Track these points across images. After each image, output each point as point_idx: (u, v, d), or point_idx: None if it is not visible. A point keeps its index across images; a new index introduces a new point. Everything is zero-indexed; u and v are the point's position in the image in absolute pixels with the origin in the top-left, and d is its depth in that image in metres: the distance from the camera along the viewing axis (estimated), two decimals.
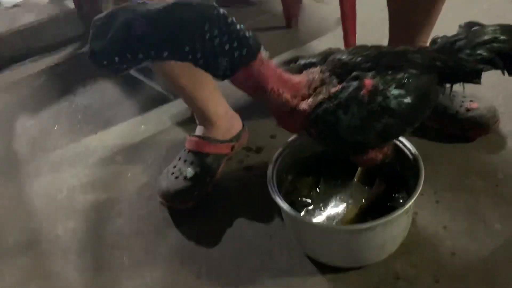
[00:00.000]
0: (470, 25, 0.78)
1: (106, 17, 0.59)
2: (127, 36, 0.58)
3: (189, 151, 1.06)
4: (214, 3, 0.63)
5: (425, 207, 0.91)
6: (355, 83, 0.68)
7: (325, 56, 0.75)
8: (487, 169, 0.96)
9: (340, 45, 1.40)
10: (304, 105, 0.69)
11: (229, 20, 0.61)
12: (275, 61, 1.47)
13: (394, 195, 0.89)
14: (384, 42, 1.12)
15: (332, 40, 1.51)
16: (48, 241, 1.03)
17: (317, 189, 0.93)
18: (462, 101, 1.04)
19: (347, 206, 0.87)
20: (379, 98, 0.68)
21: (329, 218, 0.87)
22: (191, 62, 0.62)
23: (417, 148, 1.04)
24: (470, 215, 0.88)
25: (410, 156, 0.84)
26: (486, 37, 0.75)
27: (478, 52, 0.74)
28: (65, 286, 0.93)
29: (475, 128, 1.02)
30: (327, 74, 0.71)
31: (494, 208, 0.89)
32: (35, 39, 1.88)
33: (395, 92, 0.69)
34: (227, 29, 0.61)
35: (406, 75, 0.70)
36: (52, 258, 1.00)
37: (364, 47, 0.75)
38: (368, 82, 0.68)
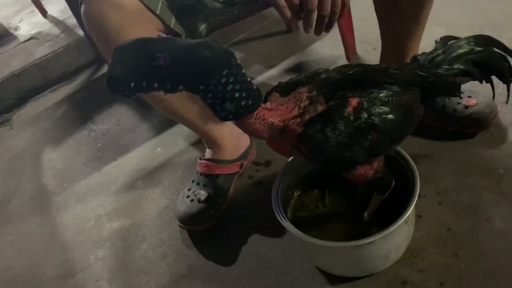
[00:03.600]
0: (446, 39, 0.80)
1: (130, 45, 0.61)
2: (149, 66, 0.60)
3: (201, 173, 1.12)
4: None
5: (428, 210, 0.94)
6: (341, 102, 0.71)
7: (313, 76, 0.77)
8: (488, 165, 0.98)
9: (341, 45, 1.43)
10: (293, 124, 0.71)
11: (243, 71, 0.67)
12: (279, 67, 1.53)
13: (397, 201, 0.92)
14: None
15: (333, 41, 1.52)
16: (82, 271, 1.12)
17: (324, 202, 0.97)
18: (460, 98, 1.05)
19: (352, 218, 0.91)
20: (365, 115, 0.70)
21: (337, 231, 0.91)
22: (201, 97, 0.66)
23: (419, 149, 1.07)
24: (473, 215, 0.91)
25: (405, 165, 0.87)
26: (461, 50, 0.77)
27: (456, 66, 0.76)
28: None
29: (474, 125, 1.03)
30: (314, 93, 0.73)
31: (496, 205, 0.91)
32: (52, 70, 1.98)
33: (379, 109, 0.71)
34: (241, 79, 0.66)
35: (389, 92, 0.73)
36: (87, 287, 1.08)
37: (350, 66, 0.78)
38: (354, 100, 0.71)
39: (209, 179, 1.11)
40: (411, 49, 1.06)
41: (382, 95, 0.72)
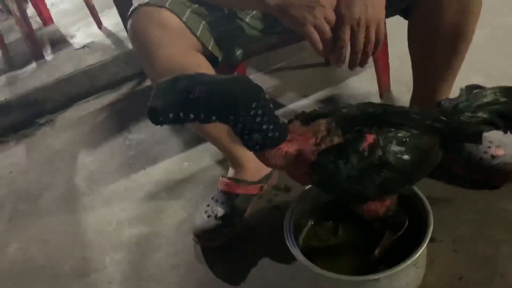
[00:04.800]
0: (471, 87, 0.81)
1: (170, 81, 0.67)
2: (185, 98, 0.66)
3: (221, 191, 1.15)
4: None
5: (442, 256, 0.93)
6: (357, 136, 0.73)
7: (334, 109, 0.79)
8: (510, 219, 0.96)
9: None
10: (308, 153, 0.74)
11: (271, 105, 0.72)
12: (312, 97, 1.55)
13: (411, 241, 0.91)
14: None
15: (370, 77, 1.54)
16: (97, 271, 1.17)
17: (336, 234, 0.98)
18: (488, 147, 1.04)
19: (363, 254, 0.91)
20: (379, 152, 0.72)
21: (346, 265, 0.91)
22: (231, 127, 0.71)
23: (441, 193, 1.06)
24: (488, 267, 0.89)
25: (421, 207, 0.86)
26: (486, 100, 0.77)
27: (479, 114, 0.77)
28: None
29: (500, 176, 1.01)
30: (333, 125, 0.75)
31: None
32: (98, 78, 2.09)
33: (395, 148, 0.73)
34: (269, 112, 0.70)
35: (407, 133, 0.74)
36: (99, 287, 1.12)
37: (371, 104, 0.80)
38: (370, 136, 0.73)
39: (228, 198, 1.14)
40: (442, 94, 1.06)
41: (399, 135, 0.73)
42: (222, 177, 1.17)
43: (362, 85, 1.55)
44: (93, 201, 1.41)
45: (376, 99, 1.46)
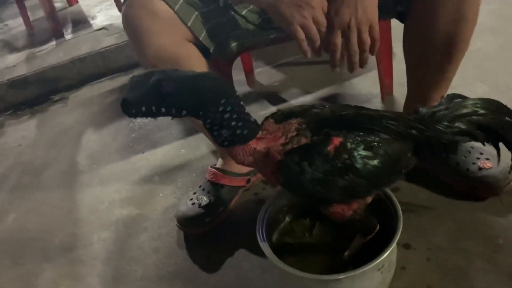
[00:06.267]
0: (452, 97, 0.79)
1: (143, 75, 0.70)
2: (156, 92, 0.68)
3: (208, 180, 1.17)
4: None
5: (415, 263, 0.92)
6: (324, 138, 0.73)
7: (307, 109, 0.80)
8: (489, 233, 0.94)
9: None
10: (275, 152, 0.74)
11: (242, 103, 0.74)
12: (314, 95, 1.55)
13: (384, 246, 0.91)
14: None
15: (374, 79, 1.52)
16: (84, 247, 1.21)
17: (311, 233, 0.98)
18: (478, 158, 1.02)
19: (335, 254, 0.91)
20: (345, 156, 0.72)
21: (316, 264, 0.91)
22: (202, 122, 0.73)
23: (425, 200, 1.05)
24: (458, 279, 0.88)
25: (393, 212, 0.86)
26: (465, 110, 0.76)
27: (456, 124, 0.75)
28: None
29: (484, 188, 1.00)
30: (303, 126, 0.75)
31: (484, 275, 0.87)
32: (113, 60, 2.13)
33: (362, 152, 0.72)
34: (238, 110, 0.73)
35: (376, 138, 0.74)
36: (83, 263, 1.16)
37: (346, 107, 0.80)
38: (336, 139, 0.73)
39: (214, 187, 1.15)
40: (434, 101, 1.05)
41: (368, 139, 0.73)
42: (211, 166, 1.19)
43: (365, 86, 1.53)
44: (91, 180, 1.46)
45: (378, 101, 1.45)
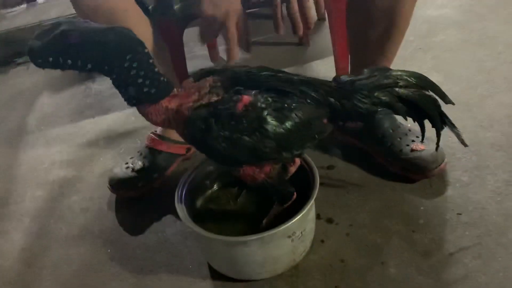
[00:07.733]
0: (378, 69, 0.78)
1: (52, 24, 0.68)
2: (60, 42, 0.66)
3: (146, 146, 1.15)
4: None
5: (334, 237, 0.91)
6: (233, 96, 0.71)
7: (227, 69, 0.78)
8: (411, 213, 0.93)
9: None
10: (184, 109, 0.72)
11: (151, 61, 0.71)
12: None
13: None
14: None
15: (333, 62, 1.51)
16: (15, 203, 1.19)
17: (236, 200, 0.97)
18: (413, 140, 1.01)
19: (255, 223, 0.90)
20: (253, 115, 0.70)
21: (235, 231, 0.90)
22: (109, 78, 0.71)
23: (357, 179, 1.04)
24: (372, 254, 0.87)
25: (312, 181, 0.85)
26: (386, 81, 0.75)
27: (375, 94, 0.74)
28: (10, 246, 1.06)
29: (414, 170, 0.99)
30: (218, 84, 0.73)
31: (399, 252, 0.86)
32: None
33: (272, 113, 0.71)
34: (146, 67, 0.70)
35: (288, 101, 0.72)
36: (12, 219, 1.14)
37: (265, 68, 0.78)
38: (246, 98, 0.71)
39: (151, 153, 1.13)
40: None
41: (279, 101, 0.71)
42: (151, 132, 1.17)
43: (323, 69, 1.53)
44: (36, 140, 1.43)
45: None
